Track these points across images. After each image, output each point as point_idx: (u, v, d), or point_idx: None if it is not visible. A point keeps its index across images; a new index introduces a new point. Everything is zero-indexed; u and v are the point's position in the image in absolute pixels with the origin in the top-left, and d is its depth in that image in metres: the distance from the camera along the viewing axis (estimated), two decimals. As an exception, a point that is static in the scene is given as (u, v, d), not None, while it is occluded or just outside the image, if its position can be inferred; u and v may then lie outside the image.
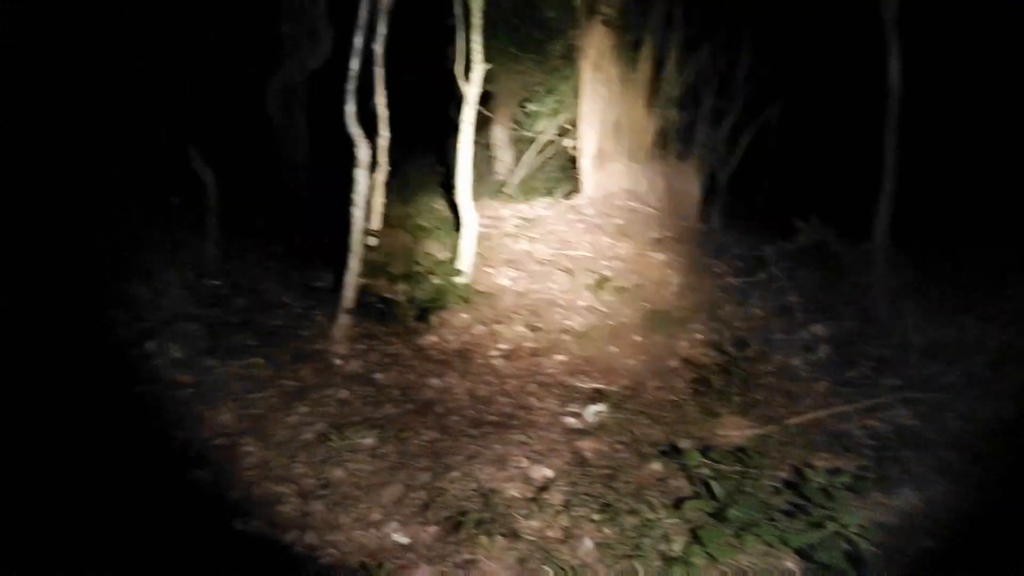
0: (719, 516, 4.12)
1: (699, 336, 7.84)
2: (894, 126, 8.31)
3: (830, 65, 11.11)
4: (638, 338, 7.68)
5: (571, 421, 5.91)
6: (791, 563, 3.79)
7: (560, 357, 7.21)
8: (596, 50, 10.47)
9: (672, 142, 11.65)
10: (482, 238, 8.68)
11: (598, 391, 6.47)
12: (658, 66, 10.89)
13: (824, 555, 3.67)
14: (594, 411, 5.99)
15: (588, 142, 10.82)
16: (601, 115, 10.88)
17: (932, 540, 4.52)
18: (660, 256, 9.75)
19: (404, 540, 4.25)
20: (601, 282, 8.49)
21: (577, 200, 10.71)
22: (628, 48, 10.57)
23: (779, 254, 8.72)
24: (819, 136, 12.30)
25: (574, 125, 11.12)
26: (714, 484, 4.38)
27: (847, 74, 10.81)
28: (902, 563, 4.06)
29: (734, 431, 5.81)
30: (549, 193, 11.31)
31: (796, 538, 3.83)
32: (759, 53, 11.48)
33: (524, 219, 10.06)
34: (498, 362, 7.05)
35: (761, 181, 12.58)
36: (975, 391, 6.17)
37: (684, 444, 5.49)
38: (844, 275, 8.63)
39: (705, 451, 5.10)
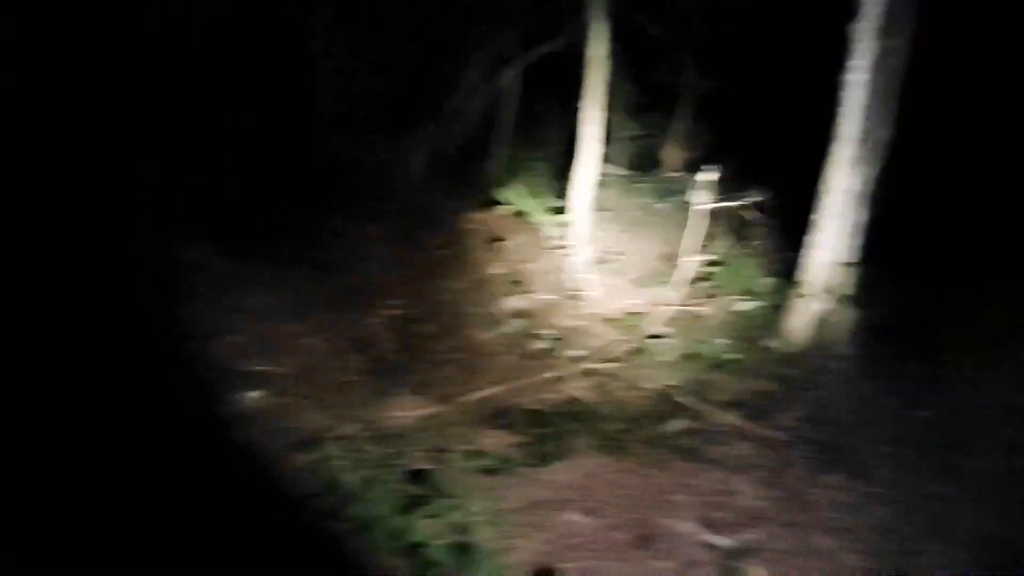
0: (337, 515, 3.68)
1: (395, 312, 7.41)
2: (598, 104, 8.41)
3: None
4: (325, 315, 7.10)
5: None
6: (400, 563, 3.44)
7: (230, 338, 6.44)
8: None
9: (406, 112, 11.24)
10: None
11: (263, 374, 5.80)
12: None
13: (433, 551, 3.35)
14: (251, 398, 5.31)
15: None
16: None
17: (579, 514, 4.43)
18: (371, 228, 9.28)
19: None
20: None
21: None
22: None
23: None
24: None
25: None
26: (346, 478, 3.92)
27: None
28: (536, 542, 3.88)
29: (406, 412, 5.43)
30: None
31: (412, 534, 3.49)
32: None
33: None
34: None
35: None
36: (642, 359, 6.30)
37: (348, 429, 5.02)
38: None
39: (358, 437, 4.63)
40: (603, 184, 12.25)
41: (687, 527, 4.50)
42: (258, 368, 5.85)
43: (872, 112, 6.78)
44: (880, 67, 6.66)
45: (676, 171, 13.32)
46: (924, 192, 8.77)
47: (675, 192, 11.81)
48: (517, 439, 5.01)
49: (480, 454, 4.64)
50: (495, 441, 5.08)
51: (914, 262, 7.97)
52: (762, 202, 7.08)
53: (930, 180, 9.25)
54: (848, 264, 7.05)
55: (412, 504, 3.76)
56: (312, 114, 10.32)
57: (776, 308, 7.69)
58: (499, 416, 5.36)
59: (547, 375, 6.20)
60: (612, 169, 12.36)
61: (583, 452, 5.00)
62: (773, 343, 7.05)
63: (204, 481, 4.12)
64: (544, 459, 4.70)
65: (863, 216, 6.98)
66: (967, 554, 4.64)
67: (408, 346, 6.28)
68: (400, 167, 11.31)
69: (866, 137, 6.80)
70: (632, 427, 5.24)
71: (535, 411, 5.61)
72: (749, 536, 4.51)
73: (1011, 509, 5.23)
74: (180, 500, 3.91)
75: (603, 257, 8.87)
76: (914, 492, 5.36)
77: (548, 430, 4.91)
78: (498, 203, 8.14)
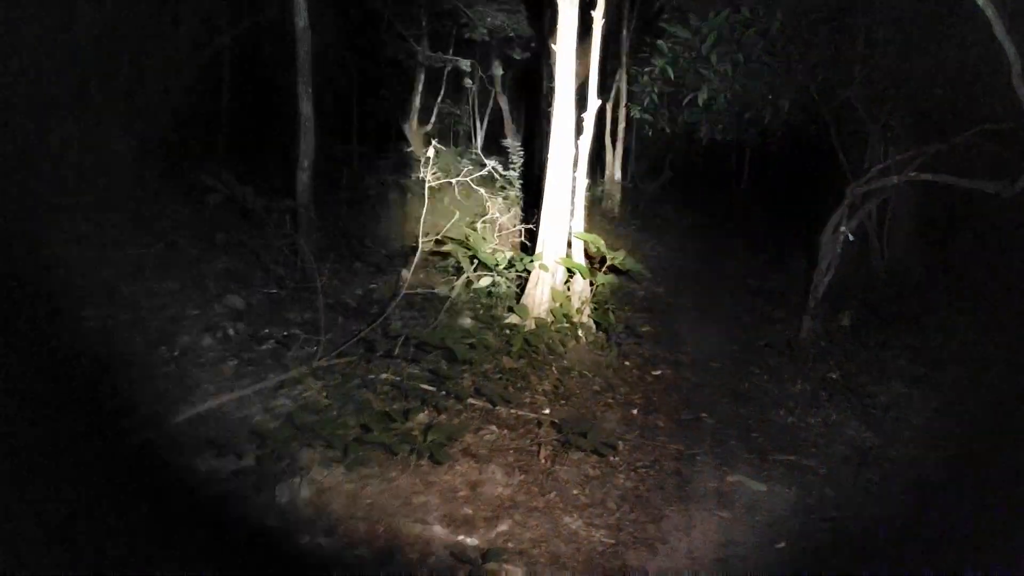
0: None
1: (88, 324, 6.32)
2: (307, 79, 7.75)
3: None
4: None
5: None
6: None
7: None
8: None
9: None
10: None
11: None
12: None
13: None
14: None
15: None
16: None
17: (316, 536, 3.93)
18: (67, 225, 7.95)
19: None
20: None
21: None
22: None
23: (190, 217, 7.63)
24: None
25: None
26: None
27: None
28: None
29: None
30: None
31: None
32: None
33: None
34: None
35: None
36: (380, 350, 5.88)
37: None
38: (267, 236, 7.91)
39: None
40: (343, 164, 11.66)
41: (435, 531, 4.16)
42: None
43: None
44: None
45: (416, 147, 13.01)
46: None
47: (414, 169, 11.49)
48: (239, 461, 4.37)
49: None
50: (211, 467, 4.41)
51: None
52: (492, 175, 6.89)
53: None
54: (579, 234, 7.11)
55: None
56: None
57: (516, 282, 7.62)
58: (217, 435, 4.66)
59: (274, 380, 5.56)
60: (350, 147, 11.80)
61: (316, 464, 4.47)
62: (513, 319, 6.94)
63: None
64: (270, 479, 4.11)
65: (584, 185, 7.07)
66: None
67: (104, 364, 5.32)
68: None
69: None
70: (371, 428, 4.79)
71: (259, 424, 4.97)
72: (501, 529, 4.27)
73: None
74: None
75: (338, 242, 8.33)
76: (653, 455, 5.47)
77: (274, 445, 4.31)
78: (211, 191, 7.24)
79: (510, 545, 4.13)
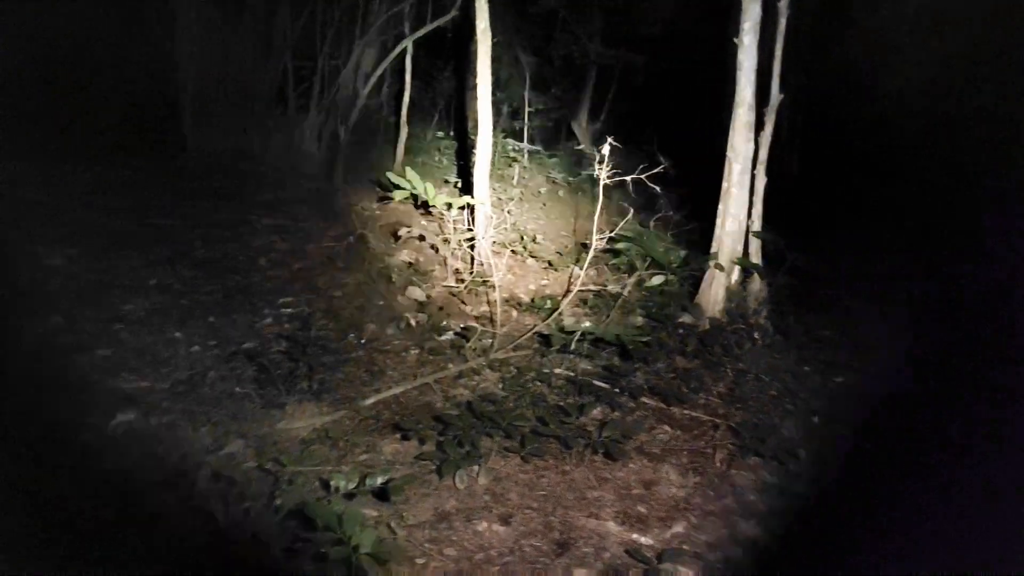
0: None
1: (288, 310, 6.85)
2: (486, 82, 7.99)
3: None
4: (211, 319, 6.49)
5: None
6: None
7: (101, 351, 5.79)
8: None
9: (291, 95, 10.60)
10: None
11: (137, 391, 5.19)
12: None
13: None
14: (122, 421, 4.71)
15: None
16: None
17: (491, 523, 4.05)
18: (268, 221, 8.67)
19: None
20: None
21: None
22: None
23: (375, 213, 8.06)
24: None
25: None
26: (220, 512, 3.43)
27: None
28: (443, 559, 3.49)
29: (297, 422, 4.92)
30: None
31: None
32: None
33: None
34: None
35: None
36: (554, 345, 5.95)
37: (233, 448, 4.49)
38: (445, 231, 8.22)
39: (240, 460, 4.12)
40: (512, 161, 11.92)
41: (609, 527, 4.18)
42: (132, 384, 5.23)
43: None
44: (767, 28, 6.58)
45: (586, 144, 13.10)
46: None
47: (585, 166, 11.57)
48: (421, 445, 4.58)
49: (380, 466, 4.21)
50: (396, 449, 4.66)
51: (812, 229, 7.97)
52: (668, 171, 6.80)
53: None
54: (757, 233, 6.89)
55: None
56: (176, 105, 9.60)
57: (689, 281, 7.50)
58: (402, 419, 4.90)
59: (453, 369, 5.79)
60: (521, 145, 12.04)
61: (494, 453, 4.62)
62: (687, 318, 6.83)
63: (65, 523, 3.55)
64: (452, 465, 4.28)
65: (763, 183, 6.85)
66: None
67: (302, 347, 5.74)
68: (291, 155, 10.70)
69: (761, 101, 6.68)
70: (546, 421, 4.88)
71: (441, 411, 5.19)
72: (676, 530, 4.23)
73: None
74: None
75: (511, 238, 8.52)
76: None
77: (455, 432, 4.49)
78: (398, 188, 7.63)
79: (685, 547, 4.08)
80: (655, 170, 6.62)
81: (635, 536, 4.12)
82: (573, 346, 6.01)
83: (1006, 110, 8.92)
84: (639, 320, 6.95)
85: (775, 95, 6.82)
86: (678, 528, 4.26)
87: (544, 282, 8.25)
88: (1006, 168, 8.78)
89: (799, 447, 5.22)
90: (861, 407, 6.24)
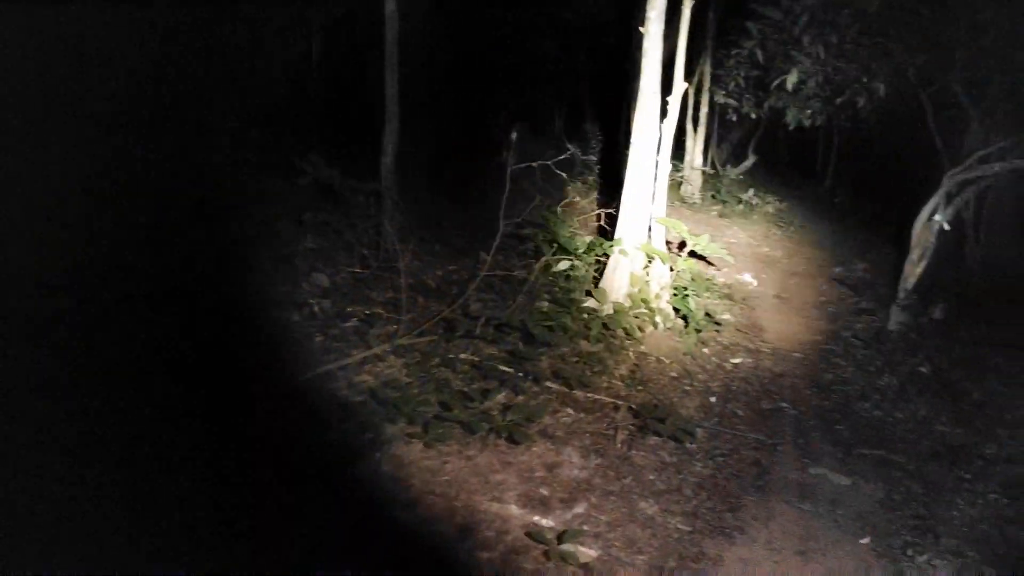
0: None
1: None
2: (394, 65, 7.84)
3: None
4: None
5: None
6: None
7: None
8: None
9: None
10: None
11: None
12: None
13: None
14: None
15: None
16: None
17: (394, 509, 4.02)
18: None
19: None
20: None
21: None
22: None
23: (281, 196, 7.84)
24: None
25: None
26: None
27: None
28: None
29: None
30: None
31: None
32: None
33: None
34: None
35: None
36: (460, 330, 5.95)
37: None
38: (352, 217, 8.07)
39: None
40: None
41: (512, 510, 4.21)
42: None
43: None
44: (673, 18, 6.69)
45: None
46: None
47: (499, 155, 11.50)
48: (316, 435, 4.50)
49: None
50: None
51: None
52: (573, 159, 6.86)
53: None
54: (660, 219, 7.03)
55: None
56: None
57: (594, 266, 7.60)
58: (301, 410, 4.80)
59: (357, 356, 5.70)
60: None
61: (398, 440, 4.58)
62: (592, 303, 6.92)
63: None
64: (355, 453, 4.22)
65: (667, 170, 6.98)
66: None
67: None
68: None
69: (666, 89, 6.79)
70: (450, 406, 4.87)
71: (344, 398, 5.10)
72: (577, 511, 4.29)
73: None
74: None
75: (418, 224, 8.44)
76: (731, 444, 5.40)
77: (357, 419, 4.43)
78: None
79: (586, 528, 4.16)
80: (561, 156, 6.66)
81: (537, 518, 4.17)
82: (479, 331, 6.00)
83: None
84: (545, 305, 7.00)
85: (679, 83, 6.96)
86: (579, 509, 4.33)
87: (452, 267, 8.21)
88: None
89: (696, 427, 5.39)
90: (755, 386, 6.49)
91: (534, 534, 3.94)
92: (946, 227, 7.71)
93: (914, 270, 7.74)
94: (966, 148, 9.29)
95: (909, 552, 4.18)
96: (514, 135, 6.23)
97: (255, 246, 7.63)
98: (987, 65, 7.96)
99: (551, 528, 4.08)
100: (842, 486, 4.96)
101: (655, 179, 6.96)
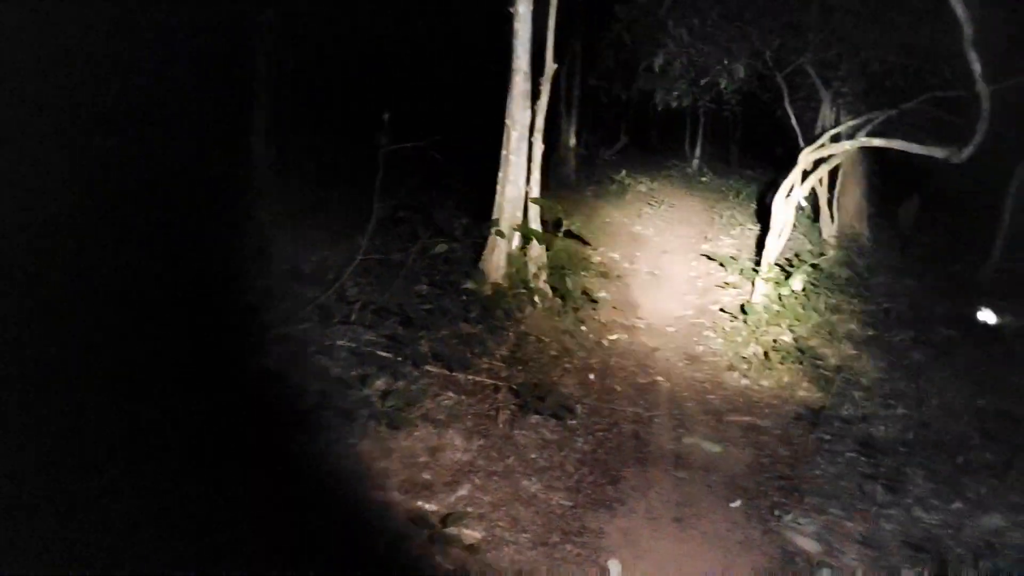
0: None
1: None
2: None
3: None
4: None
5: None
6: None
7: None
8: None
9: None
10: None
11: None
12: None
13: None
14: None
15: None
16: None
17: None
18: None
19: None
20: None
21: None
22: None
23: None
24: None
25: None
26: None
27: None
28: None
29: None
30: None
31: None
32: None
33: None
34: None
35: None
36: (335, 317, 5.79)
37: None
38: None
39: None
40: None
41: (394, 497, 4.14)
42: None
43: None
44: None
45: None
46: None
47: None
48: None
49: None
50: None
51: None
52: (443, 142, 6.79)
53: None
54: (535, 199, 7.07)
55: None
56: None
57: (472, 248, 7.57)
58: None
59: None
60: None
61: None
62: (471, 284, 6.90)
63: None
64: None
65: (541, 150, 7.03)
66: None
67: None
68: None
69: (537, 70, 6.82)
70: (328, 395, 4.73)
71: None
72: (461, 494, 4.26)
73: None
74: None
75: (296, 210, 8.15)
76: (610, 419, 5.52)
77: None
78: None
79: (469, 510, 4.13)
80: (437, 136, 6.57)
81: (420, 503, 4.11)
82: (355, 317, 5.86)
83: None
84: (424, 288, 6.93)
85: (550, 64, 6.99)
86: (463, 491, 4.30)
87: (328, 252, 7.98)
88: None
89: (576, 403, 5.47)
90: (632, 361, 6.66)
91: (418, 519, 3.89)
92: (803, 203, 8.13)
93: (775, 244, 8.14)
94: (819, 127, 9.85)
95: (776, 512, 4.39)
96: (386, 116, 6.07)
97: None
98: (836, 47, 8.43)
99: (435, 512, 4.04)
100: (714, 453, 5.15)
101: (529, 159, 6.99)
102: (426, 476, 4.40)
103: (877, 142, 7.56)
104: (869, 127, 8.35)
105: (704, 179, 17.19)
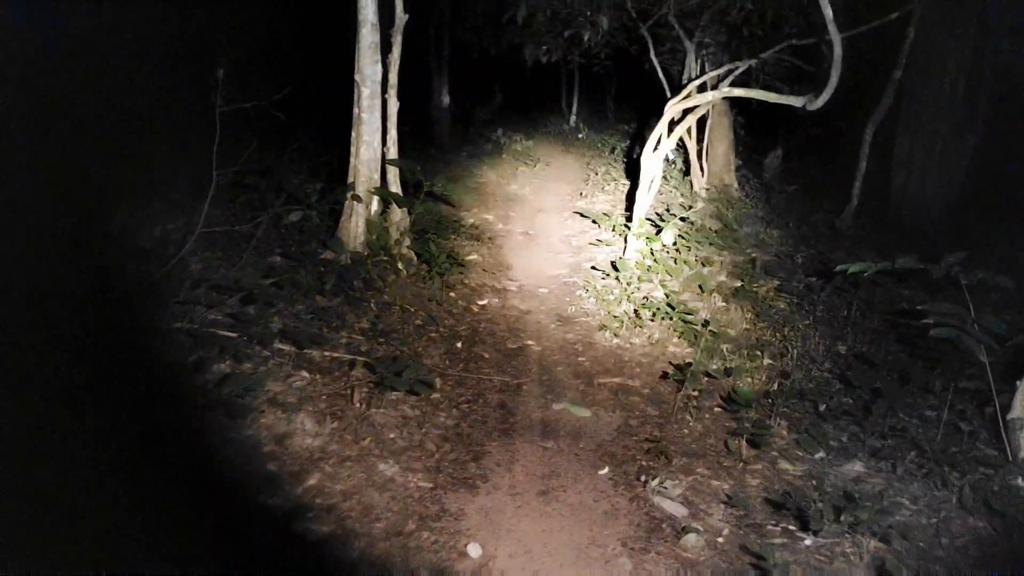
0: None
1: None
2: None
3: None
4: None
5: None
6: None
7: None
8: None
9: None
10: None
11: None
12: None
13: None
14: None
15: None
16: None
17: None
18: None
19: None
20: None
21: None
22: None
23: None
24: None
25: None
26: None
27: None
28: None
29: None
30: None
31: None
32: None
33: None
34: None
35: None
36: (169, 292, 5.25)
37: None
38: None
39: None
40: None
41: (230, 494, 3.74)
42: None
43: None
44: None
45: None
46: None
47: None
48: None
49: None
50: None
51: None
52: (291, 99, 6.27)
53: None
54: (392, 160, 6.66)
55: None
56: None
57: (329, 215, 7.11)
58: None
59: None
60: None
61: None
62: (328, 254, 6.46)
63: None
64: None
65: (395, 108, 6.60)
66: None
67: None
68: None
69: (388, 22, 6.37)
70: (159, 382, 4.25)
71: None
72: (309, 484, 3.91)
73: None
74: None
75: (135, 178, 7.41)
76: (476, 389, 5.27)
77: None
78: None
79: (318, 501, 3.79)
80: (281, 95, 6.05)
81: (260, 500, 3.73)
82: (195, 295, 5.34)
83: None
84: (277, 260, 6.44)
85: (400, 15, 6.54)
86: (312, 481, 3.95)
87: (172, 225, 7.32)
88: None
89: (439, 376, 5.18)
90: (502, 327, 6.41)
91: (255, 520, 3.52)
92: (670, 156, 8.05)
93: (645, 199, 8.04)
94: (685, 79, 9.80)
95: (643, 478, 4.25)
96: (220, 73, 5.51)
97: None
98: (696, -3, 8.33)
99: (278, 507, 3.67)
100: (583, 418, 4.99)
101: (384, 118, 6.56)
102: (271, 467, 4.02)
103: (738, 92, 7.51)
104: (731, 78, 8.32)
105: (581, 136, 17.09)
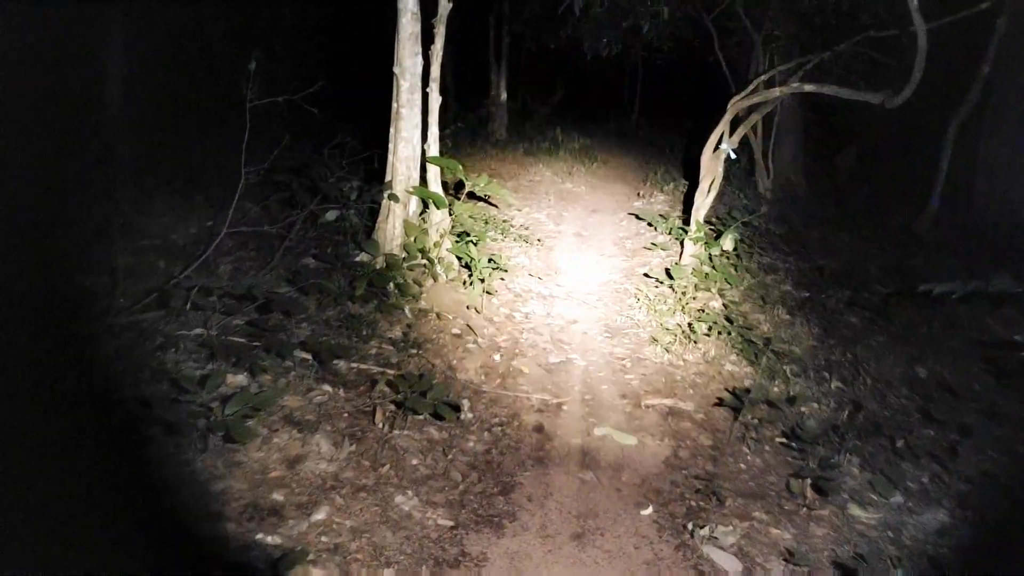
0: None
1: None
2: None
3: None
4: None
5: None
6: None
7: None
8: None
9: None
10: None
11: None
12: None
13: None
14: None
15: None
16: None
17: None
18: None
19: None
20: None
21: None
22: None
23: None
24: None
25: None
26: None
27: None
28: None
29: None
30: None
31: None
32: None
33: None
34: None
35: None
36: (192, 302, 4.95)
37: None
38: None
39: None
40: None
41: (228, 529, 3.39)
42: None
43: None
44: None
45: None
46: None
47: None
48: None
49: None
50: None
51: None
52: (328, 93, 5.92)
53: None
54: (433, 158, 6.27)
55: None
56: None
57: (366, 215, 6.77)
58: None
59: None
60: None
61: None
62: (364, 257, 6.11)
63: None
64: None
65: (438, 103, 6.20)
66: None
67: None
68: None
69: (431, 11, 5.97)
70: (150, 404, 3.92)
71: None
72: (316, 518, 3.53)
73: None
74: None
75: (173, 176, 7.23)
76: (512, 409, 4.83)
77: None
78: None
79: (323, 540, 3.41)
80: (311, 89, 5.71)
81: (259, 536, 3.37)
82: (210, 299, 5.04)
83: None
84: (311, 262, 6.13)
85: (443, 3, 6.13)
86: (319, 515, 3.57)
87: (210, 223, 7.09)
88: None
89: (468, 395, 4.77)
90: (545, 337, 5.97)
91: (246, 563, 3.15)
92: (733, 155, 7.47)
93: (704, 201, 7.48)
94: (751, 74, 9.17)
95: (692, 522, 3.76)
96: (252, 64, 5.19)
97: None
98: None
99: (276, 547, 3.30)
100: (627, 447, 4.51)
101: (424, 113, 6.16)
102: (277, 497, 3.66)
103: (808, 88, 6.89)
104: (801, 72, 7.68)
105: (641, 132, 16.49)
